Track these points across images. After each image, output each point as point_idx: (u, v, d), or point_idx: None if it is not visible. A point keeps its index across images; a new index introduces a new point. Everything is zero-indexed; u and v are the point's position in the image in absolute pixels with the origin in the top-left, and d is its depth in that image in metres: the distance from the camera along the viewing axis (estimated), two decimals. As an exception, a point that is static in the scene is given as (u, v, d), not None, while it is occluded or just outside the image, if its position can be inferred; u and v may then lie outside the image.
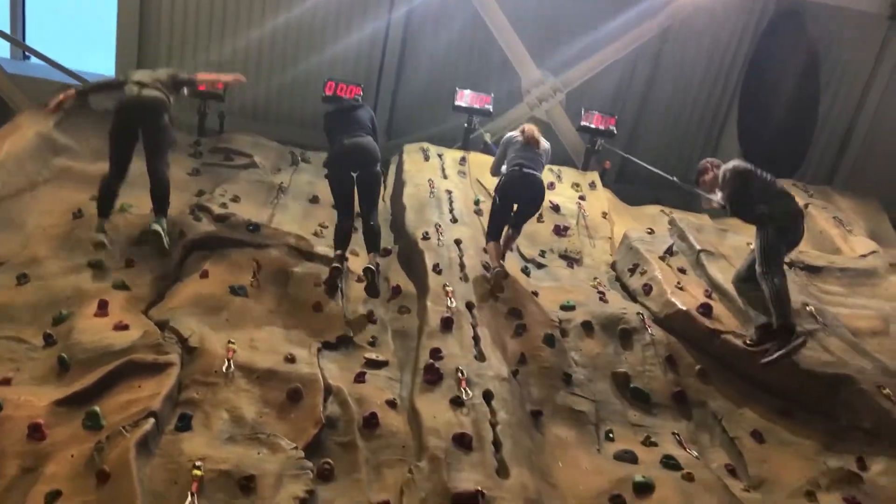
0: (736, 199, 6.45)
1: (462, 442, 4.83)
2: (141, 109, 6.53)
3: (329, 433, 4.84)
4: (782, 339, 5.88)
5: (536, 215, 7.73)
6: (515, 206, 7.10)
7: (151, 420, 4.39)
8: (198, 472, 4.15)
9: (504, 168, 7.21)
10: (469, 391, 5.29)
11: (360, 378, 5.40)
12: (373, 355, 5.76)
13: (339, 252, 6.60)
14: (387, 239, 7.61)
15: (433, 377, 5.41)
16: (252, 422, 4.68)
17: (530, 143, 7.16)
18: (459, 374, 5.42)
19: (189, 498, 4.03)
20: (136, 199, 7.11)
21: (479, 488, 4.42)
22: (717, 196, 6.54)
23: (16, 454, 4.26)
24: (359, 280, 6.66)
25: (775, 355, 5.82)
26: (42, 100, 7.65)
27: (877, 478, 5.17)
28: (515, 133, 7.36)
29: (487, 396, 5.35)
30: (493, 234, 7.08)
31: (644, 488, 4.79)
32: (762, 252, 6.25)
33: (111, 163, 6.52)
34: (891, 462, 5.24)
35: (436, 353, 5.63)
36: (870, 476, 5.20)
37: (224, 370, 4.95)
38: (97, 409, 4.49)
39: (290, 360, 5.23)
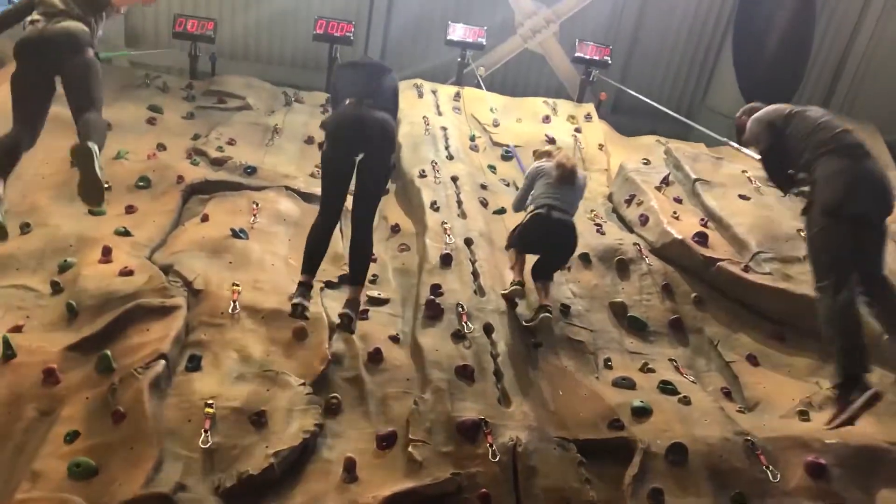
0: (769, 162, 5.13)
1: (464, 373, 4.97)
2: (50, 47, 4.95)
3: (335, 369, 4.97)
4: (842, 393, 4.37)
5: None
6: (540, 252, 5.85)
7: (162, 362, 4.51)
8: (210, 410, 4.29)
9: (528, 205, 5.89)
10: (470, 325, 5.42)
11: (363, 315, 5.50)
12: (375, 293, 5.86)
13: (304, 277, 5.03)
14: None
15: (434, 312, 5.52)
16: (260, 360, 4.80)
17: (566, 180, 5.80)
18: (460, 309, 5.54)
19: (203, 434, 4.18)
20: (131, 145, 7.13)
21: (482, 417, 4.58)
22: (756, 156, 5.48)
23: (32, 398, 4.40)
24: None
25: (836, 421, 4.35)
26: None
27: (868, 396, 5.33)
28: (548, 165, 5.93)
29: (488, 329, 5.48)
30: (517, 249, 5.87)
31: (642, 412, 4.95)
32: (809, 252, 4.74)
33: (15, 120, 4.97)
34: (881, 381, 5.38)
35: (436, 289, 5.73)
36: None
37: (230, 311, 5.05)
38: (108, 352, 4.61)
39: (294, 299, 5.31)
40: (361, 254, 5.24)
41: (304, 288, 4.95)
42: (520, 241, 5.83)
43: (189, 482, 3.98)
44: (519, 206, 6.16)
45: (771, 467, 4.56)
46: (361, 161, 5.05)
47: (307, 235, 5.20)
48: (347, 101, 5.16)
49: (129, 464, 3.95)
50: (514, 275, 5.79)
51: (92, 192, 4.71)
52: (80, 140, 4.69)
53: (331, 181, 5.15)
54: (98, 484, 3.89)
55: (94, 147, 4.66)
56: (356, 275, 5.23)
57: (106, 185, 6.31)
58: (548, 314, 5.53)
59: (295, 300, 4.88)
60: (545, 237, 5.72)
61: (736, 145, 6.28)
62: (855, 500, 4.56)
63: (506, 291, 5.72)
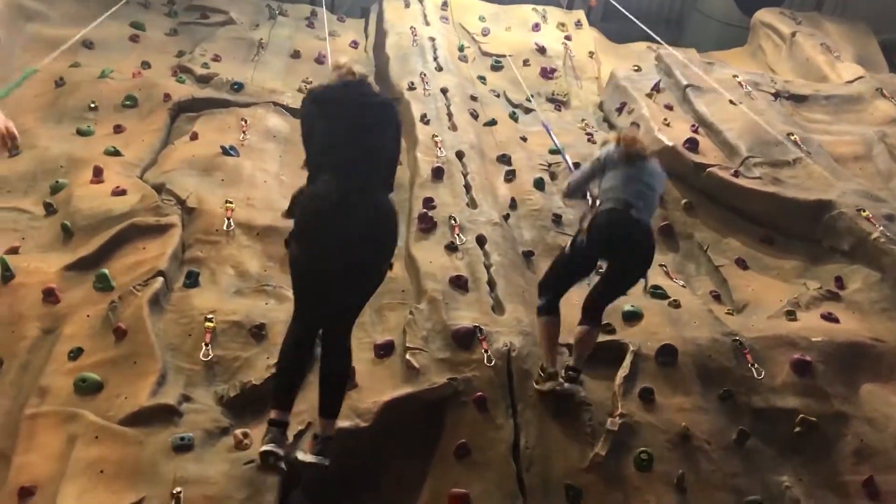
0: None
1: (458, 283, 5.05)
2: None
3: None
4: None
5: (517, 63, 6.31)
6: (605, 266, 4.75)
7: (160, 279, 4.57)
8: (210, 324, 4.38)
9: (592, 198, 4.86)
10: (462, 237, 5.47)
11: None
12: (367, 207, 5.87)
13: (275, 414, 3.67)
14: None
15: (427, 225, 5.56)
16: (257, 275, 4.87)
17: (636, 157, 4.66)
18: (452, 222, 5.58)
19: (204, 348, 4.27)
20: (115, 63, 7.01)
21: (477, 325, 4.68)
22: None
23: (34, 317, 4.47)
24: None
25: None
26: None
27: (853, 295, 5.46)
28: (618, 149, 4.76)
29: (480, 241, 5.54)
30: (549, 295, 4.62)
31: (633, 316, 5.06)
32: None
33: None
34: (866, 280, 5.51)
35: (428, 203, 5.76)
36: (847, 294, 5.48)
37: (224, 228, 5.08)
38: (106, 271, 4.66)
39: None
40: (337, 383, 3.85)
41: (278, 430, 3.62)
42: (578, 243, 4.57)
43: (193, 393, 4.09)
44: (574, 190, 5.04)
45: (757, 365, 4.69)
46: (346, 267, 3.64)
47: (279, 354, 3.79)
48: (327, 178, 3.64)
49: (132, 378, 4.06)
50: (544, 356, 4.53)
51: None
52: None
53: (305, 291, 3.75)
54: (104, 398, 4.01)
55: None
56: (330, 407, 3.82)
57: (92, 105, 6.31)
58: (571, 384, 4.43)
59: (266, 447, 3.56)
60: (621, 242, 4.48)
61: None
62: (838, 394, 4.72)
63: (541, 387, 4.46)
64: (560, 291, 4.68)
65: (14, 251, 4.88)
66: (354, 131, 3.79)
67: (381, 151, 3.88)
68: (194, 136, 6.09)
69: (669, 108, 7.37)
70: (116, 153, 5.77)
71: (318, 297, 3.71)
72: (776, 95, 7.44)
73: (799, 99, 7.63)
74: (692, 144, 6.66)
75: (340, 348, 3.85)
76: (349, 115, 3.84)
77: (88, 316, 4.44)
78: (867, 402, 4.71)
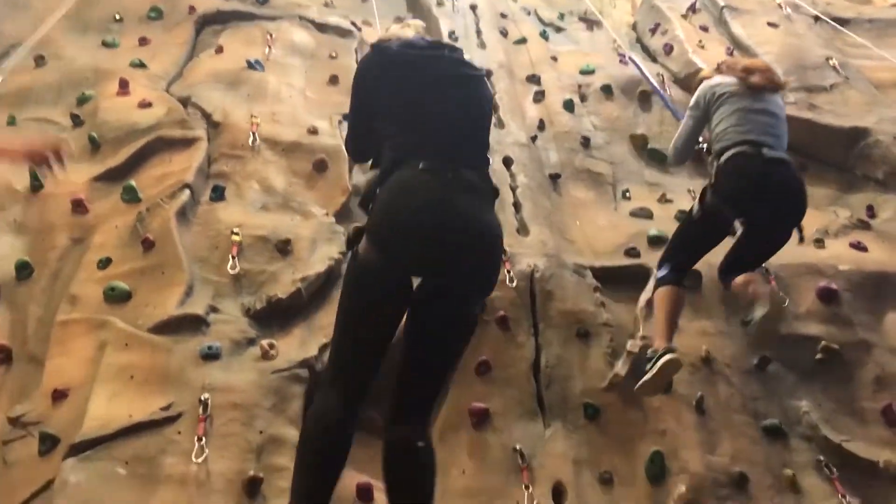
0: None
1: (484, 204, 5.03)
2: None
3: (356, 201, 5.02)
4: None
5: None
6: (745, 225, 4.01)
7: (187, 191, 4.58)
8: (236, 238, 4.40)
9: (712, 146, 4.10)
10: (489, 157, 5.41)
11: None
12: (393, 125, 5.81)
13: None
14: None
15: (453, 144, 5.51)
16: (283, 191, 4.86)
17: (764, 89, 4.00)
18: (479, 141, 5.52)
19: (230, 261, 4.31)
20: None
21: (502, 245, 4.68)
22: None
23: (64, 227, 4.53)
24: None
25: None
26: None
27: (883, 224, 5.38)
28: (728, 80, 4.11)
29: (507, 162, 5.49)
30: (674, 266, 4.05)
31: (658, 241, 5.01)
32: None
33: None
34: None
35: (455, 121, 5.69)
36: (877, 223, 5.40)
37: (250, 143, 5.07)
38: (133, 183, 4.68)
39: (313, 132, 5.31)
40: (419, 471, 2.64)
41: None
42: (714, 201, 3.87)
43: (220, 305, 4.15)
44: (683, 153, 4.40)
45: (782, 293, 4.67)
46: (428, 291, 2.68)
47: (303, 430, 2.81)
48: (420, 165, 2.70)
49: (161, 288, 4.12)
50: (658, 336, 3.91)
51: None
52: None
53: (358, 325, 2.69)
54: (133, 307, 4.08)
55: None
56: None
57: (117, 17, 6.24)
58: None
59: None
60: (759, 190, 3.74)
61: None
62: (862, 323, 4.70)
63: (660, 361, 3.75)
64: (690, 263, 4.07)
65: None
66: (443, 96, 2.85)
67: (480, 129, 2.98)
68: (219, 50, 6.01)
69: (705, 29, 7.16)
70: (142, 65, 5.72)
71: (383, 325, 2.67)
72: (816, 18, 7.18)
73: (841, 22, 7.35)
74: (727, 67, 6.47)
75: (419, 418, 2.70)
76: (432, 76, 2.89)
77: (117, 227, 4.48)
78: (891, 331, 4.68)
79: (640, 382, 3.87)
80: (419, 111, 2.84)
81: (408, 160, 2.73)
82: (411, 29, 3.21)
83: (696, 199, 4.11)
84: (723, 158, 3.90)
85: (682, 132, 4.36)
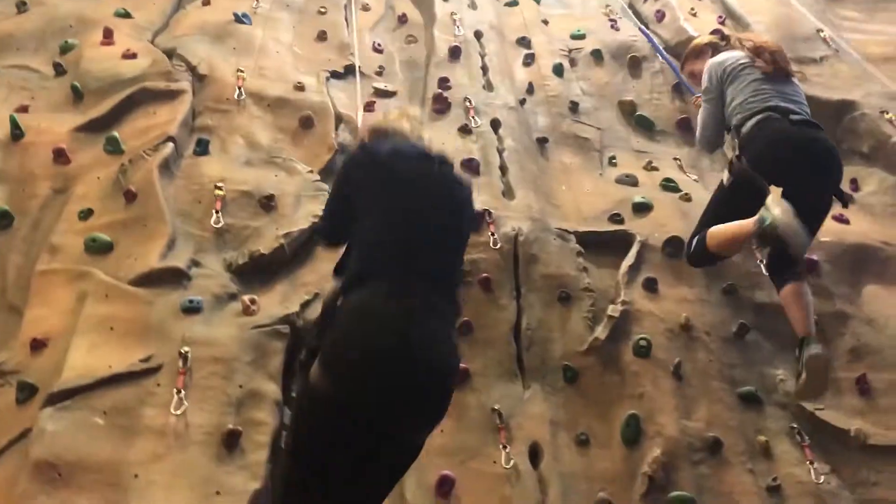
0: None
1: (470, 166, 5.01)
2: None
3: (341, 159, 4.99)
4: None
5: None
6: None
7: (170, 144, 4.53)
8: (220, 192, 4.37)
9: (730, 123, 3.99)
10: (477, 119, 5.39)
11: (369, 108, 5.46)
12: (381, 85, 5.77)
13: None
14: None
15: (441, 106, 5.47)
16: (267, 147, 4.82)
17: (776, 69, 3.93)
18: (467, 103, 5.49)
19: (214, 215, 4.29)
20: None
21: (486, 208, 4.68)
22: None
23: (45, 176, 4.47)
24: (364, 9, 6.46)
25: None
26: None
27: (866, 197, 5.41)
28: (738, 54, 4.07)
29: (495, 124, 5.46)
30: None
31: (643, 208, 5.03)
32: None
33: None
34: (882, 183, 5.46)
35: (444, 83, 5.64)
36: (860, 196, 5.43)
37: (235, 98, 5.01)
38: (116, 134, 4.62)
39: (300, 88, 5.26)
40: None
41: None
42: (747, 168, 3.67)
43: (202, 259, 4.13)
44: (714, 141, 4.23)
45: (763, 260, 4.71)
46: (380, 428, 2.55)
47: None
48: (385, 289, 2.59)
49: (142, 240, 4.09)
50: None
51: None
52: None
53: (330, 457, 2.57)
54: (114, 258, 4.05)
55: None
56: None
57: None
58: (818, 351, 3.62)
59: None
60: (790, 151, 3.62)
61: None
62: (841, 294, 4.76)
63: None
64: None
65: (24, 109, 4.84)
66: (431, 229, 2.77)
67: (457, 261, 2.93)
68: (206, 2, 5.90)
69: (698, -6, 7.11)
70: (127, 15, 5.61)
71: (346, 470, 2.57)
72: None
73: (834, -6, 7.34)
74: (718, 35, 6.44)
75: None
76: (427, 205, 2.80)
77: (99, 178, 4.43)
78: (869, 304, 4.74)
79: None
80: (397, 226, 2.75)
81: (374, 277, 2.63)
82: (407, 123, 3.18)
83: (726, 170, 4.00)
84: (746, 127, 3.80)
85: (706, 119, 4.22)
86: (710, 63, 4.15)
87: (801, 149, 3.66)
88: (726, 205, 3.95)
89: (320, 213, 4.40)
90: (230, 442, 3.44)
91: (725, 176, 3.98)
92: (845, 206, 4.14)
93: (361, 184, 2.87)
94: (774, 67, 3.95)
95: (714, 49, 4.45)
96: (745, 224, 3.62)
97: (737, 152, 3.78)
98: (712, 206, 4.15)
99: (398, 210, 2.77)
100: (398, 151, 2.94)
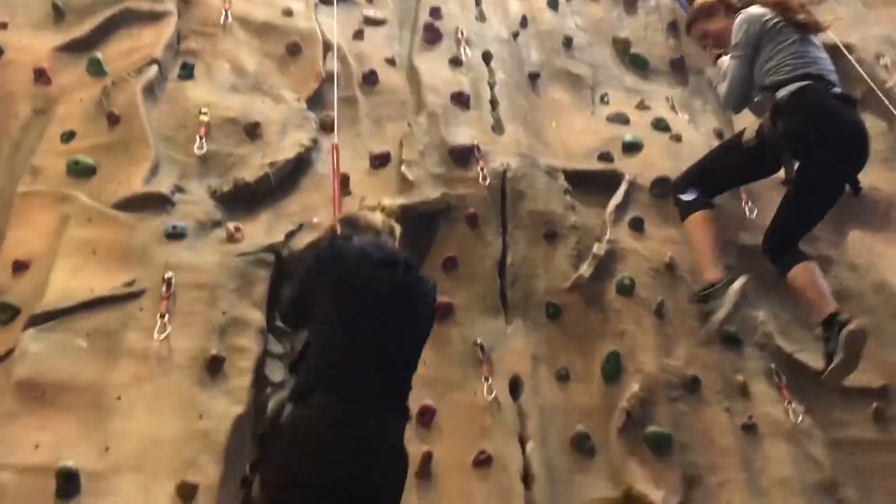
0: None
1: (460, 99, 4.94)
2: None
3: (329, 87, 4.90)
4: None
5: None
6: (801, 170, 3.73)
7: (154, 67, 4.43)
8: (204, 118, 4.30)
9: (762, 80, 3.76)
10: (468, 51, 5.30)
11: (358, 35, 5.34)
12: (371, 12, 5.63)
13: None
14: None
15: (432, 36, 5.37)
16: (254, 73, 4.72)
17: (807, 29, 3.75)
18: (459, 35, 5.38)
19: (198, 141, 4.22)
20: None
21: (475, 142, 4.63)
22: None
23: (26, 96, 4.37)
24: None
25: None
26: None
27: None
28: (765, 9, 3.81)
29: (486, 57, 5.36)
30: (704, 190, 3.97)
31: (633, 147, 5.00)
32: None
33: None
34: (873, 129, 5.10)
35: (436, 13, 5.51)
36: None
37: (221, 21, 4.89)
38: (99, 55, 4.51)
39: (288, 13, 5.12)
40: None
41: None
42: (772, 137, 3.58)
43: (186, 185, 4.09)
44: (741, 101, 3.96)
45: (751, 203, 4.70)
46: None
47: None
48: (334, 406, 2.58)
49: (125, 164, 4.03)
50: (707, 263, 3.82)
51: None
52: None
53: None
54: (97, 182, 4.00)
55: None
56: None
57: None
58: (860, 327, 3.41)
59: None
60: (830, 129, 3.48)
61: None
62: (826, 238, 4.78)
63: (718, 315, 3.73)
64: (720, 191, 3.93)
65: (3, 26, 4.69)
66: (386, 339, 2.74)
67: (408, 373, 2.84)
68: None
69: (698, -67, 6.94)
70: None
71: None
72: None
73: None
74: (717, -25, 6.32)
75: None
76: (375, 286, 2.78)
77: (81, 100, 4.34)
78: (853, 248, 4.78)
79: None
80: (352, 344, 2.70)
81: (323, 390, 2.59)
82: (379, 217, 3.25)
83: (754, 130, 3.79)
84: (784, 92, 3.59)
85: (735, 75, 3.86)
86: (749, 15, 3.82)
87: (839, 128, 3.51)
88: (735, 167, 3.89)
89: (307, 143, 4.41)
90: (213, 367, 3.47)
91: (748, 135, 3.79)
92: (856, 194, 4.00)
93: (324, 289, 2.85)
94: (810, 22, 3.77)
95: (727, 7, 4.10)
96: (710, 265, 3.78)
97: (771, 117, 3.59)
98: (720, 162, 4.00)
99: (355, 324, 2.73)
100: (364, 256, 2.87)
